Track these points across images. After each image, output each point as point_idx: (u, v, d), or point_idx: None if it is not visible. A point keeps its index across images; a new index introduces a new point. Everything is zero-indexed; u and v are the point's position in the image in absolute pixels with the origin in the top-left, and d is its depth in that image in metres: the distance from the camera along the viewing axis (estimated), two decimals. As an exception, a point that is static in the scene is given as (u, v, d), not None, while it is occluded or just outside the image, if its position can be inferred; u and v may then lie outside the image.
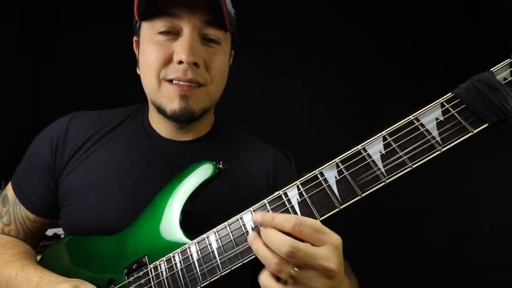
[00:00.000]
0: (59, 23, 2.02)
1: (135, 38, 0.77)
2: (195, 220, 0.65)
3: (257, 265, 0.49)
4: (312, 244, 0.45)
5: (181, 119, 0.70)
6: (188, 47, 0.65)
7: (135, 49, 0.79)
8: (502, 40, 1.64)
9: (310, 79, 1.93)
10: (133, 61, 0.79)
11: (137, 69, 0.77)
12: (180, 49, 0.65)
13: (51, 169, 0.77)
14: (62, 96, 2.00)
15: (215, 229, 0.57)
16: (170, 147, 0.77)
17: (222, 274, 0.55)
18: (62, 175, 0.76)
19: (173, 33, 0.67)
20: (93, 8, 1.99)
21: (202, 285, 0.56)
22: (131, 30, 0.79)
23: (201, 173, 0.62)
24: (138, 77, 0.76)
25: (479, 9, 1.76)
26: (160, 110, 0.71)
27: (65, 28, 2.01)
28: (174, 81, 0.68)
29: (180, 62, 0.66)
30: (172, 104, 0.68)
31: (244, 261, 0.54)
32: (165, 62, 0.68)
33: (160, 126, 0.78)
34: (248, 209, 0.55)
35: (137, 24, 0.74)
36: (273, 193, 0.75)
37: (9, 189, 0.81)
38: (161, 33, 0.67)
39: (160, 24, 0.67)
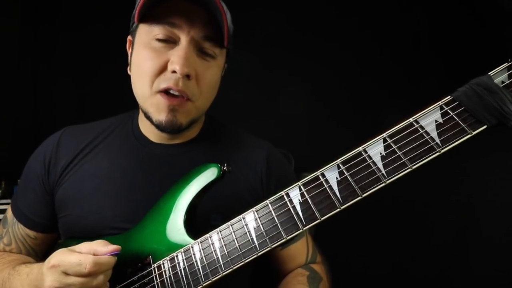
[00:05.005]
0: (59, 21, 2.01)
1: (129, 38, 0.76)
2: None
3: (258, 264, 0.49)
4: None
5: (166, 130, 0.70)
6: (184, 58, 0.65)
7: (127, 48, 0.77)
8: (502, 40, 1.65)
9: (308, 77, 1.92)
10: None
11: (128, 69, 0.76)
12: (176, 58, 0.65)
13: (45, 184, 0.78)
14: (62, 96, 2.00)
15: (218, 229, 0.57)
16: (161, 152, 0.77)
17: (224, 274, 0.55)
18: (56, 188, 0.77)
19: (170, 41, 0.67)
20: (93, 6, 1.99)
21: (204, 285, 0.56)
22: (129, 29, 0.76)
23: (206, 176, 0.63)
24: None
25: (480, 9, 1.76)
26: (147, 117, 0.71)
27: (64, 26, 2.01)
28: (165, 91, 0.67)
29: (173, 72, 0.65)
30: (159, 115, 0.68)
31: (246, 261, 0.54)
32: (159, 71, 0.67)
33: (150, 131, 0.78)
34: (251, 209, 0.56)
35: (134, 24, 0.73)
36: (267, 193, 0.76)
37: (8, 211, 0.83)
38: (158, 40, 0.67)
39: (158, 31, 0.66)
